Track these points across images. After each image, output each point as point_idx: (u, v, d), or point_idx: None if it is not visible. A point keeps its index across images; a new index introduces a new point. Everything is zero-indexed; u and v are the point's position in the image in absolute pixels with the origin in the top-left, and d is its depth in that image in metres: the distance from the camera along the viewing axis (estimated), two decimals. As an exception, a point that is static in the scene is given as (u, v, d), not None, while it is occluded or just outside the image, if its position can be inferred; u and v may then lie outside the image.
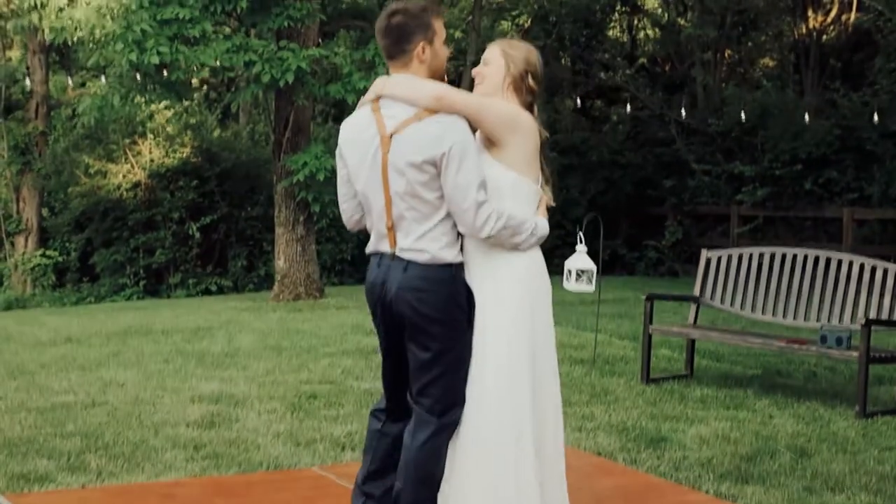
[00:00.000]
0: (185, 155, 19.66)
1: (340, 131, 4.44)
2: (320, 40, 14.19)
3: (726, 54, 23.18)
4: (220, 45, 12.29)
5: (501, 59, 4.48)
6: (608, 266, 19.64)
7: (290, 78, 12.34)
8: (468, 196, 4.14)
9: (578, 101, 22.73)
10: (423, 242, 4.22)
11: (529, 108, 4.51)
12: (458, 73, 21.33)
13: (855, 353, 7.66)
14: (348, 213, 4.50)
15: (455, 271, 4.27)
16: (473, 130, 4.28)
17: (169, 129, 19.94)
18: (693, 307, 9.20)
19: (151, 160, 19.47)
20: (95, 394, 7.79)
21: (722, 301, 9.03)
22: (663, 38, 23.80)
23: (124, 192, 19.32)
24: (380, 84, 4.34)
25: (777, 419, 7.41)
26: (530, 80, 4.50)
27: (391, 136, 4.19)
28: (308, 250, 14.44)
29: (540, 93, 4.57)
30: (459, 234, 4.29)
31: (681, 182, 20.50)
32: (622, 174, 20.97)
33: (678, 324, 9.46)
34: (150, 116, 19.10)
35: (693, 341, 8.99)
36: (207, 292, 18.73)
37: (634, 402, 7.84)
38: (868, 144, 17.96)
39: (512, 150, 4.32)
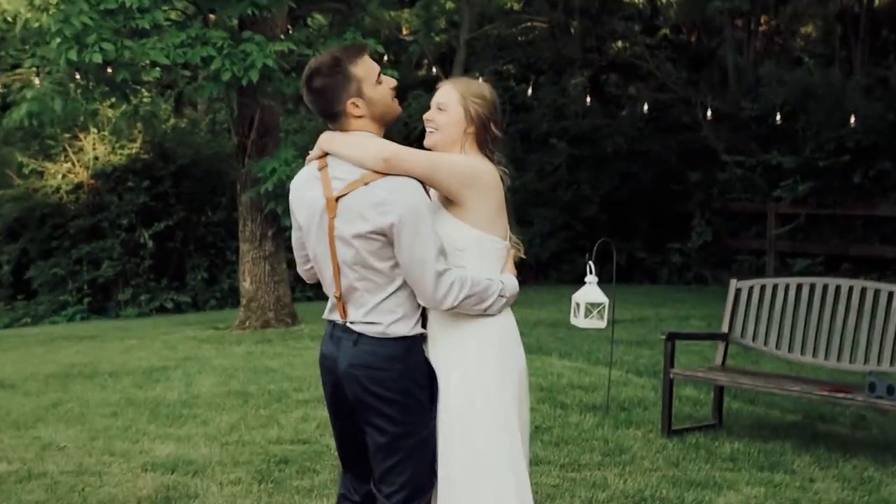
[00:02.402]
0: (134, 151, 19.71)
1: (290, 189, 4.55)
2: (289, 28, 14.16)
3: (762, 22, 23.21)
4: (172, 38, 12.27)
5: (459, 107, 4.51)
6: (625, 273, 19.70)
7: (255, 76, 12.34)
8: (426, 267, 4.23)
9: (590, 81, 22.77)
10: (375, 315, 4.33)
11: (491, 151, 4.57)
12: (451, 48, 21.43)
13: (908, 405, 7.71)
14: (303, 266, 4.67)
15: (411, 345, 4.36)
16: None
17: (115, 121, 19.88)
18: (721, 346, 9.24)
19: (95, 158, 19.53)
20: (32, 461, 7.81)
21: (754, 339, 9.06)
22: (688, 5, 23.81)
23: (64, 195, 19.39)
24: (325, 140, 4.42)
25: (819, 483, 7.44)
26: (493, 129, 4.56)
27: (337, 199, 4.29)
28: (278, 269, 14.47)
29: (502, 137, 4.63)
30: (420, 304, 4.38)
31: (709, 175, 20.57)
32: (641, 166, 21.02)
33: (704, 366, 9.48)
34: (95, 112, 19.13)
35: (722, 387, 9.03)
36: (162, 310, 18.77)
37: (654, 463, 7.87)
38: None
39: (473, 207, 4.39)
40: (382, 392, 4.30)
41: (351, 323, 4.34)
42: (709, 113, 20.64)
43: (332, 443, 8.19)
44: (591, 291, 8.95)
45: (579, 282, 8.86)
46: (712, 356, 10.24)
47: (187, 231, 19.58)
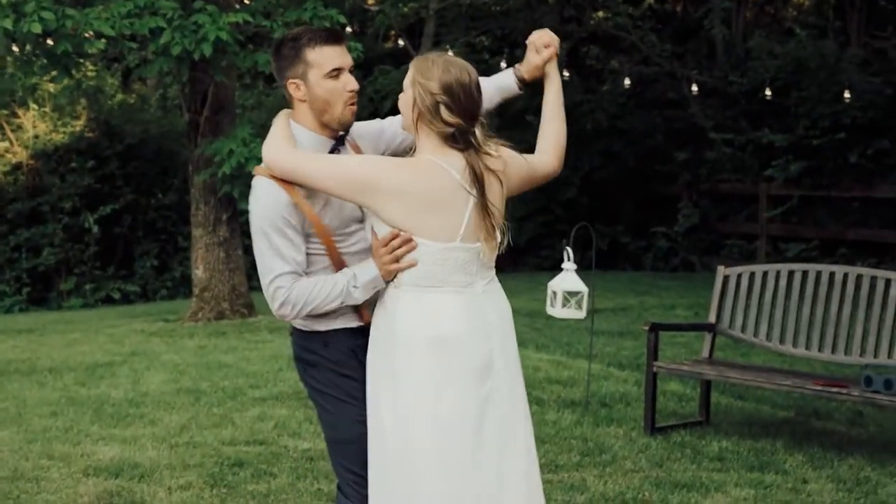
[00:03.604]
0: (78, 129, 19.60)
1: None
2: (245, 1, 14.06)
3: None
4: (118, 7, 12.17)
5: (410, 90, 4.44)
6: (608, 259, 19.73)
7: (208, 50, 12.24)
8: (263, 277, 4.43)
9: (569, 54, 22.72)
10: None
11: (454, 140, 4.43)
12: (420, 19, 21.37)
13: (906, 400, 7.73)
14: None
15: (329, 339, 4.53)
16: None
17: (57, 96, 19.74)
18: (708, 337, 9.25)
19: (36, 136, 19.43)
20: (-35, 465, 7.78)
21: (743, 330, 9.08)
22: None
23: (1, 177, 19.28)
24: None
25: (812, 484, 7.45)
26: (444, 113, 4.40)
27: None
28: (233, 256, 14.40)
29: (469, 120, 4.45)
30: None
31: (696, 154, 20.62)
32: (624, 144, 21.04)
33: (689, 359, 9.49)
34: (34, 87, 19.00)
35: (709, 381, 9.03)
36: (109, 301, 18.71)
37: (636, 463, 7.87)
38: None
39: (383, 215, 4.38)
40: (308, 384, 4.63)
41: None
42: (695, 88, 20.65)
43: (290, 443, 8.21)
44: (568, 279, 8.90)
45: (558, 268, 8.84)
46: (698, 347, 10.26)
47: (136, 215, 19.50)
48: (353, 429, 4.50)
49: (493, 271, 4.60)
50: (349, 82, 4.43)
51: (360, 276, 4.40)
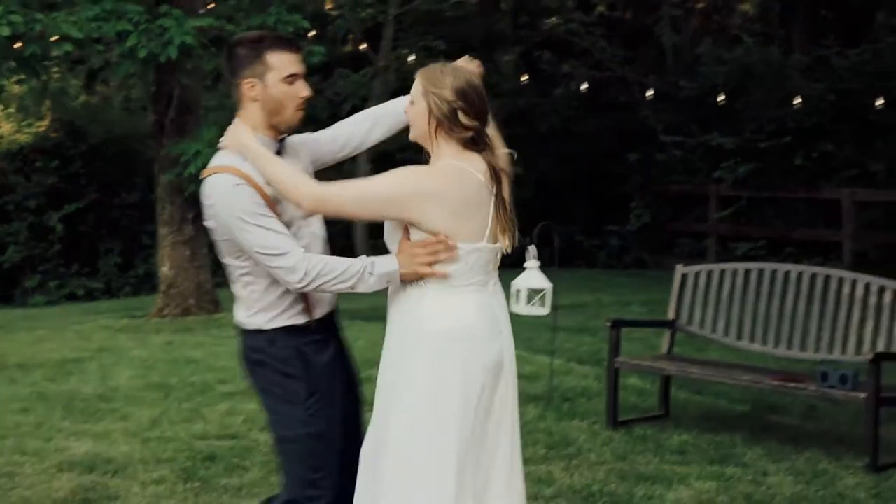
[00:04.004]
0: (43, 129, 19.48)
1: None
2: (210, 4, 13.98)
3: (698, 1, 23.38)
4: (86, 11, 12.07)
5: (423, 101, 4.45)
6: (563, 257, 19.68)
7: (174, 53, 12.15)
8: (274, 257, 4.33)
9: (523, 58, 22.75)
10: (239, 308, 4.58)
11: (472, 143, 4.45)
12: (378, 23, 21.28)
13: (862, 395, 7.71)
14: None
15: (273, 338, 4.49)
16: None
17: (23, 98, 19.65)
18: (668, 333, 9.23)
19: (0, 136, 19.25)
20: (-61, 460, 7.65)
21: (702, 326, 9.08)
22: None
23: (-34, 176, 19.12)
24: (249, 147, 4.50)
25: (772, 476, 7.43)
26: (461, 117, 4.42)
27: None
28: (199, 255, 14.31)
29: (484, 121, 4.47)
30: (287, 296, 4.48)
31: (648, 156, 20.67)
32: (577, 146, 21.06)
33: (650, 355, 9.47)
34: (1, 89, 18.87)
35: (669, 376, 9.01)
36: (73, 297, 18.56)
37: (601, 456, 7.84)
38: (870, 113, 18.15)
39: (424, 222, 4.36)
40: (254, 383, 4.61)
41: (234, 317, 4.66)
42: (649, 92, 20.69)
43: (261, 437, 8.12)
44: (532, 277, 8.86)
45: (514, 266, 8.78)
46: (655, 343, 10.24)
47: (100, 214, 19.39)
48: (296, 429, 4.48)
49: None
50: (303, 89, 4.47)
51: (378, 266, 4.38)
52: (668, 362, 8.95)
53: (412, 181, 4.36)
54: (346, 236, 19.73)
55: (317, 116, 23.11)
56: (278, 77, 4.42)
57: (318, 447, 4.50)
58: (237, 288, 4.51)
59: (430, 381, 4.37)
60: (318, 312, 4.54)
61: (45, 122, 19.58)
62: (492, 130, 4.50)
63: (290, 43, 4.55)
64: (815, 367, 8.31)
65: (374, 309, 14.48)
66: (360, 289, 4.38)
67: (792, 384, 8.18)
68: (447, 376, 4.37)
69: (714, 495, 7.01)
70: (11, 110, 19.48)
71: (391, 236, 4.50)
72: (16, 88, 19.30)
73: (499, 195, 4.46)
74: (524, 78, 22.39)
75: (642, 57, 22.15)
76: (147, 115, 15.48)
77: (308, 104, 4.52)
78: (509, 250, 4.56)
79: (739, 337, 8.90)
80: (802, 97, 18.70)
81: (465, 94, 4.41)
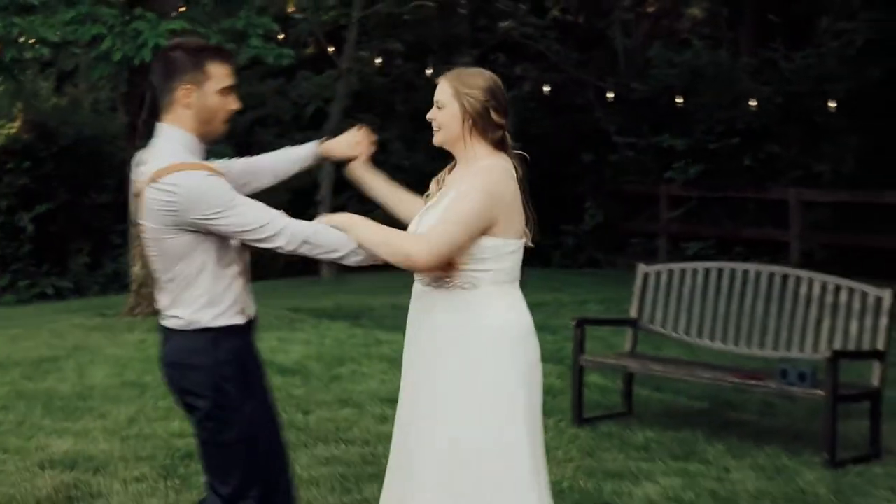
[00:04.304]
0: (14, 131, 19.31)
1: None
2: (182, 7, 13.89)
3: (648, 3, 23.41)
4: (62, 15, 11.98)
5: (455, 102, 4.50)
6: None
7: (147, 56, 12.06)
8: (257, 229, 4.29)
9: (479, 61, 22.67)
10: (178, 307, 4.44)
11: (501, 143, 4.55)
12: (338, 26, 21.20)
13: (821, 392, 7.74)
14: None
15: (216, 337, 4.40)
16: None
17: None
18: (630, 332, 9.24)
19: (-29, 137, 19.10)
20: (-78, 459, 7.55)
21: (663, 325, 9.09)
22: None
23: (-61, 177, 18.94)
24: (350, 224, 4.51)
25: (735, 472, 7.45)
26: (493, 116, 4.50)
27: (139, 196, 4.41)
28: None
29: (510, 120, 4.60)
30: (229, 293, 4.42)
31: (601, 157, 20.72)
32: (532, 147, 20.95)
33: (613, 353, 9.48)
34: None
35: (632, 374, 9.02)
36: (43, 296, 18.42)
37: (567, 453, 7.82)
38: (816, 115, 18.25)
39: (496, 227, 4.43)
40: (190, 387, 4.42)
41: (163, 318, 4.51)
42: (610, 94, 20.71)
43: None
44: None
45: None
46: (613, 342, 10.24)
47: (70, 214, 19.25)
48: (233, 434, 4.42)
49: None
50: (234, 102, 4.48)
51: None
52: (632, 360, 8.97)
53: (490, 186, 4.41)
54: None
55: (281, 118, 23.10)
56: (216, 87, 4.41)
57: (252, 452, 4.46)
58: (174, 288, 4.40)
59: (496, 376, 4.41)
60: (251, 312, 4.52)
61: (17, 124, 19.45)
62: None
63: (228, 55, 4.56)
64: (774, 364, 8.36)
65: (338, 307, 14.49)
66: (345, 259, 4.41)
67: (752, 382, 8.22)
68: (511, 371, 4.44)
69: (680, 491, 7.01)
70: (-17, 112, 19.41)
71: None
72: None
73: (524, 192, 4.55)
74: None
75: (595, 60, 22.16)
76: (117, 116, 15.38)
77: (232, 117, 4.53)
78: (531, 244, 4.63)
79: (700, 335, 8.92)
80: (750, 99, 18.77)
81: (493, 93, 4.51)
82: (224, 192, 4.29)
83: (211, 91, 4.40)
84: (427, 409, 4.49)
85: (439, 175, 4.73)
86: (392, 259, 4.40)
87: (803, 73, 18.78)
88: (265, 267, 19.87)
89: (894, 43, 16.29)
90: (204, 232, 4.30)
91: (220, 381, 4.39)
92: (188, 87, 4.37)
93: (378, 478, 7.08)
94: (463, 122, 4.49)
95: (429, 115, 4.58)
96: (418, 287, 4.61)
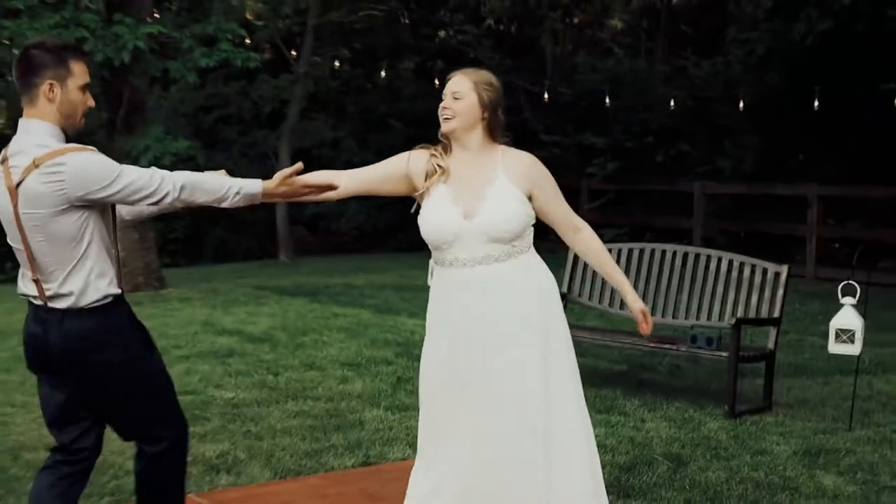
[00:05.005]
0: (-1, 126, 19.30)
1: None
2: (155, 11, 14.05)
3: (575, 15, 23.70)
4: (47, 19, 12.11)
5: (474, 94, 4.69)
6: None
7: (127, 57, 12.24)
8: (148, 185, 4.26)
9: (420, 66, 22.93)
10: (70, 286, 4.30)
11: (499, 136, 4.79)
12: (292, 33, 21.35)
13: (725, 354, 8.15)
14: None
15: (111, 307, 4.36)
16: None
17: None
18: (560, 304, 9.57)
19: (-40, 132, 19.07)
20: (-61, 412, 7.76)
21: (590, 298, 9.42)
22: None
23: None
24: None
25: (649, 423, 7.83)
26: (500, 114, 4.76)
27: (18, 186, 4.23)
28: (146, 237, 14.34)
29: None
30: (112, 267, 4.37)
31: (530, 153, 20.92)
32: (470, 145, 21.28)
33: (545, 322, 9.79)
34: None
35: (561, 340, 9.34)
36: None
37: (506, 408, 8.15)
38: (720, 118, 18.64)
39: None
40: (105, 355, 4.34)
41: (50, 300, 4.31)
42: (530, 97, 20.98)
43: (216, 393, 8.35)
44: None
45: (415, 249, 9.04)
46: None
47: (52, 202, 19.22)
48: (157, 377, 4.48)
49: None
50: (90, 99, 4.42)
51: (246, 188, 4.44)
52: (561, 328, 9.28)
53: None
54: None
55: (242, 117, 23.23)
56: (77, 84, 4.33)
57: (168, 398, 4.52)
58: (64, 270, 4.26)
59: (566, 329, 4.89)
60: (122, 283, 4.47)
61: (2, 120, 19.40)
62: None
63: (86, 55, 4.52)
64: (685, 331, 8.72)
65: (298, 286, 14.73)
66: (224, 202, 4.40)
67: (666, 346, 8.61)
68: (565, 323, 4.90)
69: (603, 439, 7.34)
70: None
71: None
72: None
73: None
74: (421, 84, 22.59)
75: (526, 65, 22.45)
76: (97, 113, 15.45)
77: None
78: None
79: (620, 307, 9.25)
80: (663, 102, 19.10)
81: (501, 93, 4.79)
82: (109, 163, 4.24)
83: (73, 87, 4.31)
84: (548, 374, 4.77)
85: (429, 161, 4.78)
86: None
87: (711, 79, 19.13)
88: (230, 251, 20.12)
89: (791, 52, 16.68)
90: (92, 206, 4.24)
91: (129, 341, 4.40)
92: (52, 82, 4.27)
93: (341, 428, 7.46)
94: (481, 113, 4.70)
95: (444, 104, 4.68)
96: (461, 272, 4.69)
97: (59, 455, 4.55)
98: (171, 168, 4.86)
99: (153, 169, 4.32)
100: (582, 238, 4.92)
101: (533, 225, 4.81)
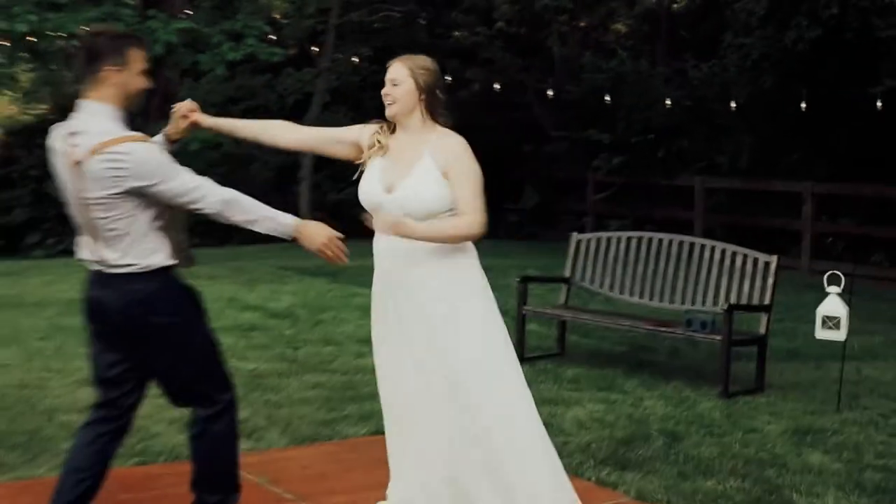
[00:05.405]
0: (43, 112, 19.28)
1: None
2: (187, 11, 14.02)
3: (581, 19, 23.59)
4: (87, 13, 12.10)
5: (411, 80, 4.66)
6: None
7: (160, 50, 12.23)
8: (195, 189, 4.38)
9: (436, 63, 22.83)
10: (132, 256, 4.40)
11: (441, 116, 4.74)
12: (316, 32, 21.29)
13: (718, 337, 8.09)
14: None
15: (167, 275, 4.49)
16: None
17: (25, 84, 19.48)
18: (564, 288, 9.53)
19: (8, 117, 19.10)
20: (-22, 377, 7.74)
21: (592, 282, 9.39)
22: (521, 2, 24.03)
23: (-20, 151, 18.96)
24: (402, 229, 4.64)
25: (647, 401, 7.78)
26: (439, 94, 4.72)
27: (80, 164, 4.28)
28: (177, 218, 14.25)
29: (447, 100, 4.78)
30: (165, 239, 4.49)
31: (539, 148, 20.90)
32: (480, 139, 21.10)
33: (550, 305, 9.76)
34: (12, 77, 18.67)
35: (565, 322, 9.31)
36: (67, 252, 18.39)
37: (512, 383, 8.10)
38: (717, 118, 18.56)
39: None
40: (159, 319, 4.42)
41: (108, 267, 4.40)
42: (539, 95, 20.90)
43: (239, 365, 8.29)
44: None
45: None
46: (549, 298, 10.52)
47: (90, 184, 19.25)
48: (208, 341, 4.66)
49: None
50: (146, 83, 4.50)
51: (279, 217, 4.46)
52: (565, 311, 9.26)
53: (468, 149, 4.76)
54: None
55: (268, 108, 23.16)
56: (137, 70, 4.42)
57: (216, 359, 4.69)
58: (125, 242, 4.37)
59: (485, 304, 4.93)
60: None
61: (45, 106, 19.43)
62: None
63: (144, 43, 4.59)
64: (681, 315, 8.66)
65: (318, 267, 14.65)
66: (257, 227, 4.46)
67: (663, 329, 8.54)
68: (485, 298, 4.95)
69: (603, 414, 7.33)
70: (18, 95, 19.30)
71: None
72: (23, 77, 19.19)
73: None
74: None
75: (535, 65, 22.35)
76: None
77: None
78: None
79: (621, 291, 9.22)
80: (664, 102, 19.04)
81: (438, 74, 4.73)
82: (167, 162, 4.34)
83: (133, 72, 4.39)
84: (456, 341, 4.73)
85: (372, 136, 4.81)
86: (460, 240, 4.66)
87: (708, 80, 19.00)
88: (257, 234, 20.06)
89: (783, 56, 16.59)
90: (142, 196, 4.31)
91: (183, 306, 4.52)
92: (116, 67, 4.35)
93: (355, 400, 7.41)
94: (419, 95, 4.68)
95: (384, 91, 4.70)
96: (380, 241, 4.74)
97: (102, 412, 4.62)
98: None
99: (202, 182, 4.39)
100: (454, 219, 4.71)
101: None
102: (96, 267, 4.42)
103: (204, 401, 4.58)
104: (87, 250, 4.45)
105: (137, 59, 4.42)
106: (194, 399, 4.59)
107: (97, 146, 4.23)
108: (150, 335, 4.43)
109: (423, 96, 4.67)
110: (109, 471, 4.62)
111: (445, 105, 4.77)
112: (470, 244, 4.79)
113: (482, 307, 4.77)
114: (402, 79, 4.67)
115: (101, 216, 4.31)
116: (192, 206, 4.39)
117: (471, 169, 4.66)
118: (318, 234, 4.49)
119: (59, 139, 4.41)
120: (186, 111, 4.80)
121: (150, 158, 4.28)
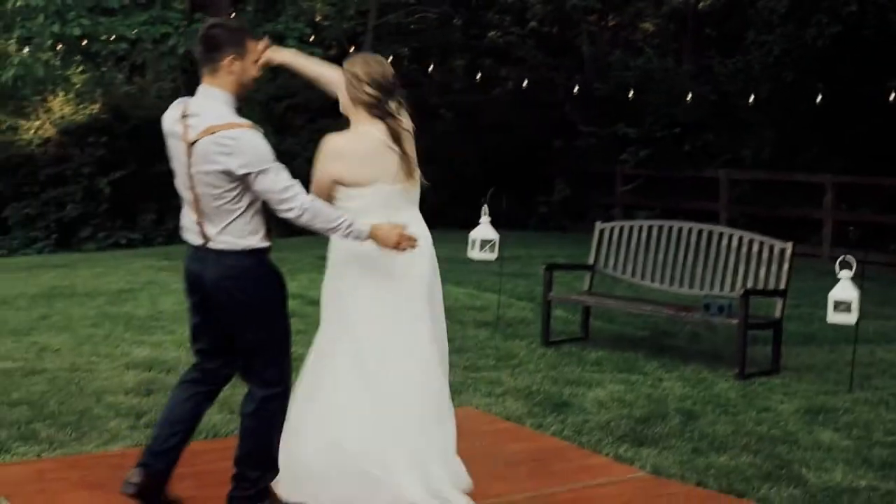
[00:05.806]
0: (94, 112, 19.46)
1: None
2: (232, 11, 14.14)
3: (609, 18, 23.57)
4: (137, 17, 12.24)
5: (342, 79, 4.94)
6: (499, 222, 19.94)
7: (206, 51, 12.34)
8: (288, 189, 4.44)
9: (470, 63, 22.86)
10: (228, 233, 4.51)
11: (377, 111, 4.87)
12: (355, 33, 21.38)
13: (735, 321, 8.11)
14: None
15: (261, 256, 4.58)
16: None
17: (78, 85, 19.68)
18: (588, 275, 9.57)
19: (62, 116, 19.28)
20: (32, 361, 7.86)
21: (615, 269, 9.42)
22: (552, 2, 24.03)
23: (35, 148, 19.12)
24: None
25: (666, 382, 7.82)
26: (368, 91, 4.87)
27: (192, 144, 4.45)
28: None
29: (389, 97, 4.91)
30: (262, 222, 4.56)
31: (569, 142, 20.89)
32: (513, 134, 21.25)
33: (575, 291, 9.80)
34: (66, 78, 18.86)
35: (589, 307, 9.35)
36: (117, 245, 18.65)
37: (537, 366, 8.19)
38: (741, 113, 18.49)
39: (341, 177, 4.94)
40: (243, 298, 4.53)
41: (208, 241, 4.53)
42: (569, 92, 20.86)
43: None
44: (484, 229, 9.22)
45: (464, 226, 9.01)
46: (574, 286, 10.58)
47: (139, 180, 19.39)
48: (283, 327, 4.73)
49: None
50: (259, 70, 4.71)
51: (356, 224, 4.60)
52: (589, 297, 9.30)
53: (329, 145, 4.88)
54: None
55: (309, 106, 23.27)
56: (252, 59, 4.60)
57: (288, 343, 4.77)
58: (224, 219, 4.47)
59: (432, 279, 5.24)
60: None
61: (97, 106, 19.61)
62: (394, 105, 4.90)
63: (255, 36, 4.75)
64: (700, 300, 8.68)
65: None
66: (337, 234, 4.63)
67: (683, 313, 8.57)
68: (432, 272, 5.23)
69: (623, 394, 7.38)
70: (70, 96, 19.51)
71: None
72: (75, 78, 19.40)
73: (402, 150, 4.90)
74: (470, 80, 22.53)
75: (565, 64, 22.34)
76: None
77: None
78: (417, 188, 5.03)
79: (643, 277, 9.25)
80: (690, 97, 18.98)
81: (370, 73, 4.87)
82: (271, 155, 4.42)
83: (249, 62, 4.57)
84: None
85: None
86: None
87: (732, 76, 18.92)
88: (293, 225, 20.20)
89: (803, 53, 16.52)
90: (242, 181, 4.40)
91: (270, 290, 4.62)
92: (233, 57, 4.50)
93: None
94: (348, 94, 4.90)
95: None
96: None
97: (199, 374, 4.84)
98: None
99: (295, 185, 4.47)
100: None
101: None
102: (198, 242, 4.56)
103: (265, 381, 4.67)
104: (190, 226, 4.60)
105: (254, 49, 4.62)
106: (258, 377, 4.69)
107: (210, 127, 4.38)
108: (237, 309, 4.54)
109: (352, 95, 4.95)
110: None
111: (378, 99, 4.91)
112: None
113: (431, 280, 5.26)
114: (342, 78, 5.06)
115: (204, 191, 4.44)
116: (279, 206, 4.45)
117: (319, 161, 4.94)
118: (391, 232, 4.69)
119: (174, 119, 4.56)
120: (262, 48, 4.90)
121: (255, 147, 4.40)
